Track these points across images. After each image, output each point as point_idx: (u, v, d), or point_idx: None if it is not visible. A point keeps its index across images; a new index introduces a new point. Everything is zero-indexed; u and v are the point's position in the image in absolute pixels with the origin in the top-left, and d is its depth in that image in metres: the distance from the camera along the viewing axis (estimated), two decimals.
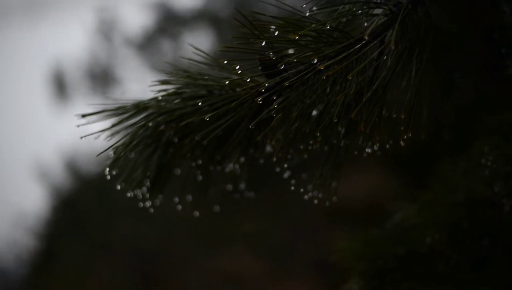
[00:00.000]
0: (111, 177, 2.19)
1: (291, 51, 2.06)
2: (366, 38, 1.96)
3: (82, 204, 14.04)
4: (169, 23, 12.89)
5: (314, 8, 2.08)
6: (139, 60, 13.17)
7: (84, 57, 13.57)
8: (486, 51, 3.21)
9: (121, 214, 12.77)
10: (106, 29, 13.46)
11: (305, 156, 2.15)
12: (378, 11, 2.12)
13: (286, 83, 1.96)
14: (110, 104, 2.24)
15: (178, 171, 2.33)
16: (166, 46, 12.98)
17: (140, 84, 12.85)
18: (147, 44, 13.05)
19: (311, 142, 2.12)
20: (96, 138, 2.16)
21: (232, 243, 11.30)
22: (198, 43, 12.35)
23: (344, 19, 2.16)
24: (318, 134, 2.05)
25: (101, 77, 13.34)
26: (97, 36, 13.51)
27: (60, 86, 13.55)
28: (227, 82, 2.10)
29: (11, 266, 15.48)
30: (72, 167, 14.41)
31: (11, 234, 15.41)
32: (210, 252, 11.34)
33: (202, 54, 2.25)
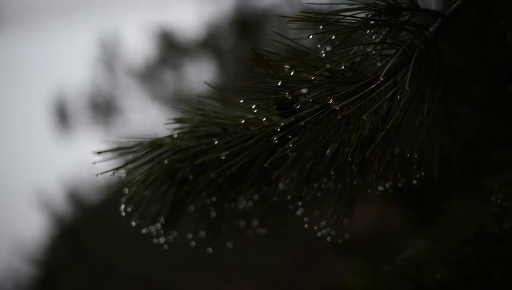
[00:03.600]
0: (126, 213, 2.21)
1: (304, 91, 2.08)
2: (382, 78, 1.98)
3: (83, 233, 14.02)
4: (172, 54, 12.93)
5: (328, 49, 2.11)
6: (141, 90, 13.21)
7: (87, 86, 13.61)
8: (494, 87, 3.24)
9: (122, 243, 12.75)
10: (108, 59, 13.51)
11: (319, 194, 2.17)
12: (391, 51, 2.14)
13: (302, 123, 1.98)
14: (125, 140, 2.26)
15: (191, 208, 2.35)
16: (168, 76, 13.03)
17: (142, 114, 12.88)
18: (149, 75, 13.09)
19: (325, 180, 2.13)
20: (112, 175, 2.17)
21: (235, 273, 11.28)
22: (200, 74, 12.40)
23: (358, 59, 2.19)
24: (332, 173, 2.06)
25: (103, 107, 13.38)
26: (100, 66, 13.57)
27: (62, 116, 13.58)
28: (243, 121, 2.12)
29: None
30: (74, 196, 14.41)
31: (11, 262, 15.38)
32: (213, 282, 11.32)
33: (216, 91, 2.28)
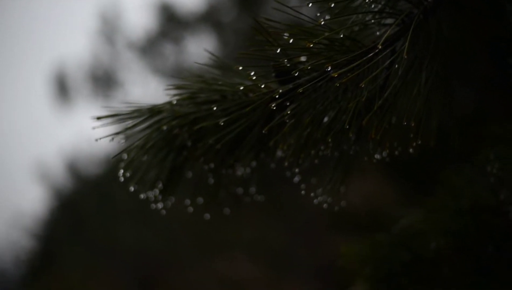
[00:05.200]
0: (124, 179, 2.23)
1: (303, 59, 2.10)
2: (380, 47, 1.99)
3: (82, 206, 14.06)
4: (172, 27, 12.91)
5: (327, 17, 2.12)
6: (141, 63, 13.19)
7: (87, 59, 13.60)
8: (491, 61, 3.25)
9: (121, 216, 12.79)
10: (109, 32, 13.49)
11: (316, 161, 2.18)
12: (390, 20, 2.15)
13: (300, 90, 1.99)
14: (124, 107, 2.27)
15: (189, 174, 2.36)
16: (168, 49, 13.01)
17: (142, 87, 12.88)
18: (149, 48, 13.08)
19: (322, 147, 2.15)
20: (111, 140, 2.19)
21: (232, 248, 11.31)
22: (200, 47, 12.38)
23: (357, 28, 2.20)
24: (329, 140, 2.08)
25: (103, 80, 13.37)
26: (100, 39, 13.54)
27: (62, 88, 13.57)
28: (241, 88, 2.14)
29: (10, 267, 15.49)
30: (73, 169, 14.44)
31: (10, 235, 15.43)
32: (209, 257, 11.36)
33: (216, 59, 2.29)
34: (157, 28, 12.96)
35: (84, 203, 14.03)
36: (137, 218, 12.38)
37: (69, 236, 13.85)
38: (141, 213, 12.29)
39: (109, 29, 13.45)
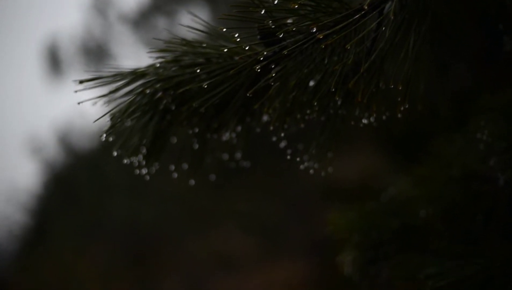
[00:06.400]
0: (107, 142, 2.19)
1: (289, 21, 2.06)
2: (366, 8, 1.96)
3: (75, 180, 14.04)
4: (164, 0, 12.86)
5: None
6: (134, 37, 13.14)
7: (79, 32, 13.53)
8: (481, 32, 3.22)
9: (114, 191, 12.77)
10: (101, 5, 13.42)
11: (302, 125, 2.16)
12: None
13: (285, 52, 1.97)
14: (107, 71, 2.24)
15: (174, 140, 2.33)
16: (161, 23, 12.94)
17: (135, 60, 12.82)
18: (142, 21, 13.02)
19: (308, 111, 2.12)
20: (93, 104, 2.15)
21: (224, 222, 11.32)
22: (192, 21, 12.32)
23: None
24: (315, 104, 2.05)
25: (96, 53, 13.31)
26: (92, 12, 13.47)
27: (55, 61, 13.51)
28: (225, 50, 2.11)
29: (3, 242, 15.47)
30: (66, 143, 14.41)
31: (3, 209, 15.40)
32: (202, 230, 11.36)
33: (201, 22, 2.25)
34: (150, 1, 12.90)
35: (76, 177, 14.01)
36: (130, 192, 12.36)
37: (61, 210, 13.84)
38: (134, 187, 12.28)
39: (101, 2, 13.38)
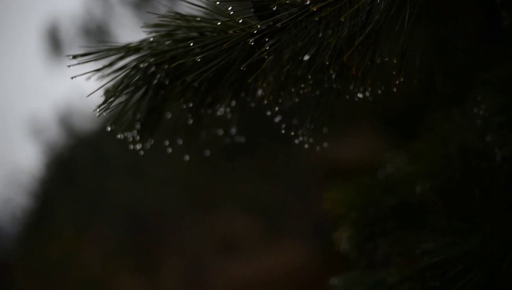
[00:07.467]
0: (101, 117, 2.18)
1: None
2: None
3: (76, 162, 14.05)
4: None
5: None
6: (134, 19, 13.10)
7: (80, 14, 13.49)
8: (479, 7, 3.20)
9: (115, 172, 12.78)
10: None
11: (296, 99, 2.15)
12: None
13: (279, 25, 1.96)
14: (102, 46, 2.22)
15: (169, 116, 2.32)
16: (162, 5, 12.90)
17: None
18: (143, 3, 12.98)
19: (302, 85, 2.11)
20: (87, 79, 2.14)
21: (226, 204, 11.32)
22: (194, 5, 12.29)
23: None
24: (309, 77, 2.04)
25: (96, 34, 13.28)
26: None
27: (55, 43, 13.49)
28: (219, 24, 2.09)
29: (5, 224, 15.49)
30: (67, 124, 14.40)
31: (5, 192, 15.41)
32: (203, 213, 11.37)
33: None
34: None
35: (78, 159, 14.02)
36: (132, 174, 12.38)
37: (63, 192, 13.85)
38: (136, 169, 12.30)
39: None
